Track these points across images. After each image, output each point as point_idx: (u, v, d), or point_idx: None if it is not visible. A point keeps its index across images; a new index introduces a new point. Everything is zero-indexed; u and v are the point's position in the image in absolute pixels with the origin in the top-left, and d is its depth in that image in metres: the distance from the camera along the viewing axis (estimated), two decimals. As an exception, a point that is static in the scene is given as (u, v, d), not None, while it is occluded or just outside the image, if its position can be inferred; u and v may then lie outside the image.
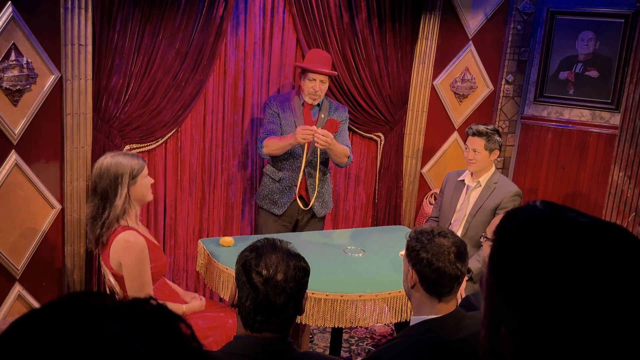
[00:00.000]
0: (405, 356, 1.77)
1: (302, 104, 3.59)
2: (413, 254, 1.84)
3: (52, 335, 0.53)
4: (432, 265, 1.79)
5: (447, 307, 1.84)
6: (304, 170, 3.57)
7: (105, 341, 0.53)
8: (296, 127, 3.48)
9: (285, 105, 3.58)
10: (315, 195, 3.60)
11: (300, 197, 3.63)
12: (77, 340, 0.52)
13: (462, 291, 3.18)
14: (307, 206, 3.64)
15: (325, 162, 3.68)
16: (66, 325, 0.54)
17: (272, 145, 3.46)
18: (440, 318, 1.81)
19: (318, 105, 3.61)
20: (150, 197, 2.74)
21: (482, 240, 2.42)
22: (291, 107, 3.58)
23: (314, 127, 3.29)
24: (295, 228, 3.72)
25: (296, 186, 3.58)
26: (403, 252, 3.16)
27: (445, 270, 1.78)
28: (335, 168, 4.21)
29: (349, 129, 4.37)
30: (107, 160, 2.60)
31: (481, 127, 3.41)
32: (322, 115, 3.62)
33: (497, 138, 3.40)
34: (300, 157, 3.53)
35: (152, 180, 2.75)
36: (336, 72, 3.81)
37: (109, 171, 2.57)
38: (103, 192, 2.57)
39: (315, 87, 3.49)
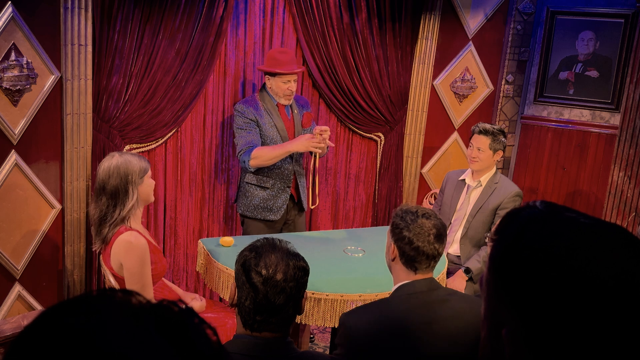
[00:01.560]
0: (367, 317, 1.91)
1: (277, 105, 3.53)
2: (397, 231, 1.99)
3: (80, 331, 0.52)
4: (412, 244, 1.95)
5: (422, 277, 1.99)
6: (294, 170, 3.58)
7: (133, 340, 0.52)
8: (277, 129, 3.48)
9: (260, 109, 3.49)
10: (301, 190, 3.64)
11: (291, 195, 3.64)
12: (105, 338, 0.52)
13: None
14: (297, 201, 3.66)
15: (302, 156, 3.69)
16: (94, 322, 0.53)
17: (265, 156, 3.36)
18: (412, 282, 1.97)
19: None
20: (152, 198, 2.75)
21: (487, 240, 2.43)
22: (266, 110, 3.50)
23: (317, 134, 3.26)
24: (284, 224, 3.71)
25: (289, 187, 3.58)
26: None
27: (424, 249, 1.94)
28: (331, 171, 4.22)
29: (349, 128, 4.38)
30: (116, 159, 2.59)
31: (488, 126, 3.42)
32: (295, 111, 3.60)
33: (502, 139, 3.41)
34: (288, 159, 3.51)
35: (154, 182, 2.75)
36: (304, 67, 3.81)
37: (119, 170, 2.55)
38: (113, 190, 2.55)
39: (292, 87, 3.44)
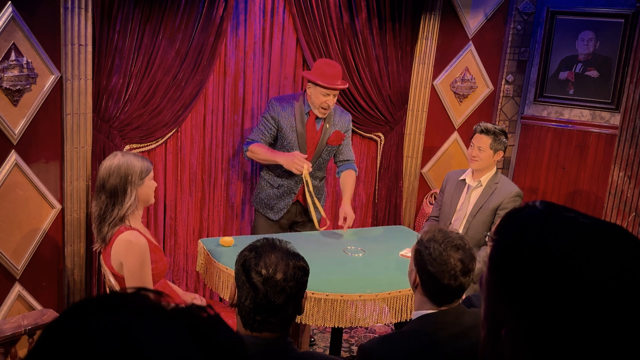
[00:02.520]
0: (397, 350, 1.80)
1: (308, 112, 3.48)
2: (420, 263, 1.85)
3: (109, 332, 0.52)
4: (435, 280, 1.82)
5: (447, 308, 1.87)
6: (304, 179, 3.55)
7: (163, 343, 0.52)
8: (297, 135, 3.47)
9: (288, 109, 3.47)
10: (312, 204, 3.49)
11: (297, 201, 3.63)
12: (135, 339, 0.51)
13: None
14: (305, 210, 3.64)
15: (323, 170, 3.67)
16: (123, 324, 0.53)
17: (258, 155, 3.45)
18: (438, 313, 1.85)
19: None
20: (153, 200, 2.75)
21: (487, 239, 2.42)
22: (294, 113, 3.48)
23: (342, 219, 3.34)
24: (290, 228, 3.72)
25: (295, 193, 3.59)
26: (403, 252, 3.16)
27: (449, 286, 1.81)
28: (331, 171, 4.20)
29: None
30: (118, 158, 2.59)
31: (489, 126, 3.43)
32: (327, 125, 3.54)
33: (504, 139, 3.42)
34: None
35: (156, 184, 2.75)
36: (347, 83, 3.76)
37: (120, 169, 2.56)
38: (112, 190, 2.56)
39: (329, 101, 3.40)
